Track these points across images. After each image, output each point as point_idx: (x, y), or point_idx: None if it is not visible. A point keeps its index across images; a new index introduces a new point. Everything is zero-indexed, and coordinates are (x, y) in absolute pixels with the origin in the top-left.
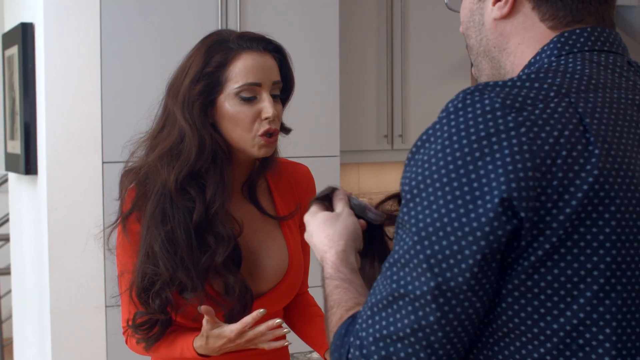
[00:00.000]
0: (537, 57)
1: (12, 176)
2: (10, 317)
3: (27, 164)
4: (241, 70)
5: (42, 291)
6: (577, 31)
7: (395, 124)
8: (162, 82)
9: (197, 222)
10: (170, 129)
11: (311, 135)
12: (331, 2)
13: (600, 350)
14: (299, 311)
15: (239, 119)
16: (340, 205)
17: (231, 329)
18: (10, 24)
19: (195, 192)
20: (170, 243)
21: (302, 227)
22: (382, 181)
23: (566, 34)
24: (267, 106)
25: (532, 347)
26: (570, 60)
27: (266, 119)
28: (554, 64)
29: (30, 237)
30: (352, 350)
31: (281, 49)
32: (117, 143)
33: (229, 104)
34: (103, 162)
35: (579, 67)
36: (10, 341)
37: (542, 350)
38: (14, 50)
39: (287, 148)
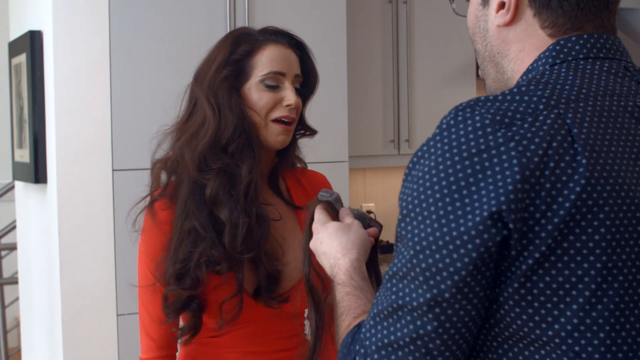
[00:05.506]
0: (535, 65)
1: (19, 185)
2: (15, 326)
3: (37, 173)
4: (267, 59)
5: (53, 300)
6: (573, 39)
7: (401, 129)
8: (172, 88)
9: (211, 196)
10: (196, 117)
11: (320, 142)
12: (338, 8)
13: (596, 356)
14: None
15: (261, 105)
16: (348, 218)
17: None
18: (17, 32)
19: (218, 170)
20: (203, 228)
21: None
22: (388, 186)
23: (562, 42)
24: (289, 94)
25: (533, 349)
26: (563, 69)
27: (287, 105)
28: (546, 73)
29: (40, 246)
30: (357, 359)
31: (303, 45)
32: (127, 151)
33: (253, 90)
34: (113, 170)
35: (570, 77)
36: (15, 350)
37: (542, 352)
38: (22, 59)
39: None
